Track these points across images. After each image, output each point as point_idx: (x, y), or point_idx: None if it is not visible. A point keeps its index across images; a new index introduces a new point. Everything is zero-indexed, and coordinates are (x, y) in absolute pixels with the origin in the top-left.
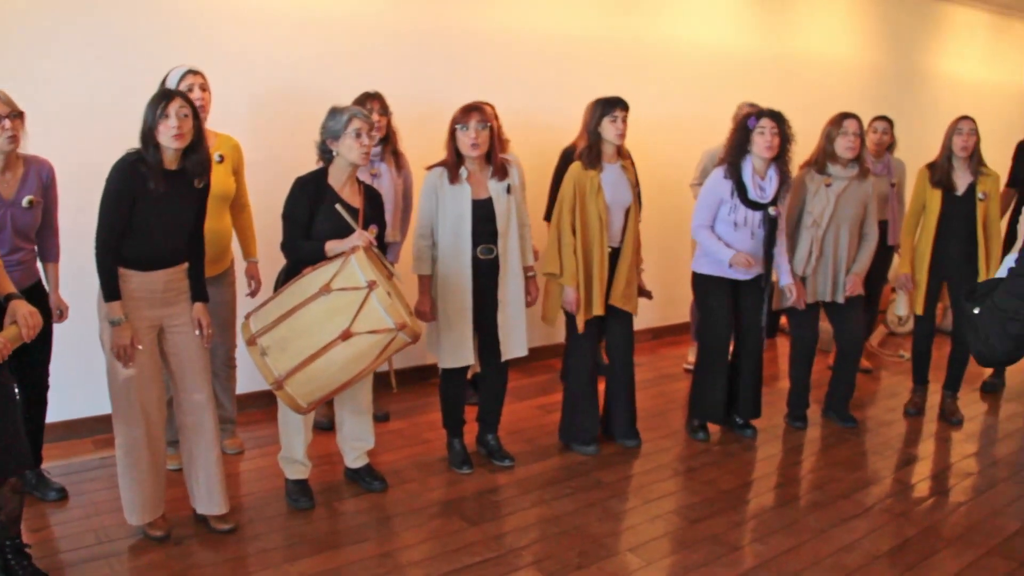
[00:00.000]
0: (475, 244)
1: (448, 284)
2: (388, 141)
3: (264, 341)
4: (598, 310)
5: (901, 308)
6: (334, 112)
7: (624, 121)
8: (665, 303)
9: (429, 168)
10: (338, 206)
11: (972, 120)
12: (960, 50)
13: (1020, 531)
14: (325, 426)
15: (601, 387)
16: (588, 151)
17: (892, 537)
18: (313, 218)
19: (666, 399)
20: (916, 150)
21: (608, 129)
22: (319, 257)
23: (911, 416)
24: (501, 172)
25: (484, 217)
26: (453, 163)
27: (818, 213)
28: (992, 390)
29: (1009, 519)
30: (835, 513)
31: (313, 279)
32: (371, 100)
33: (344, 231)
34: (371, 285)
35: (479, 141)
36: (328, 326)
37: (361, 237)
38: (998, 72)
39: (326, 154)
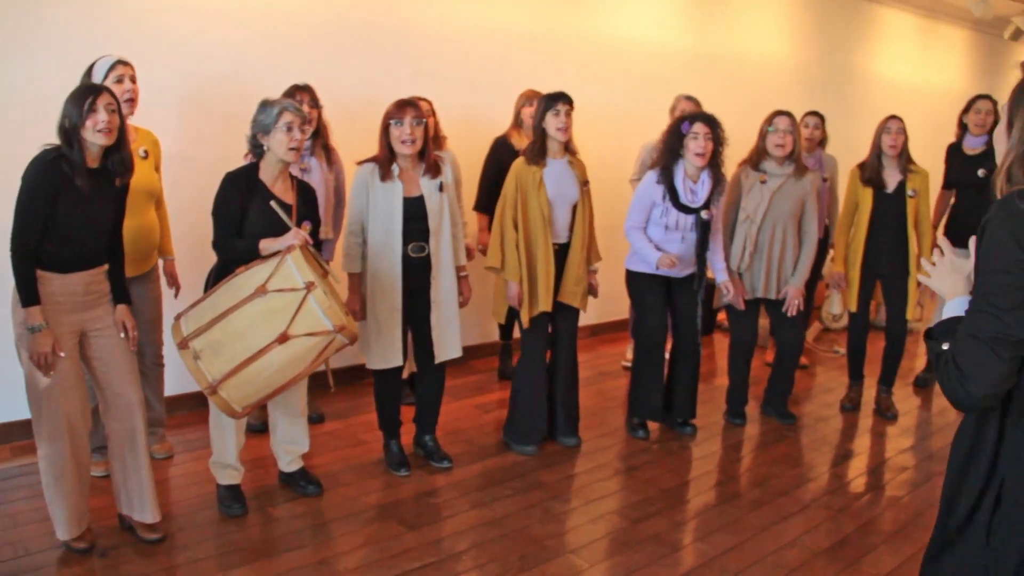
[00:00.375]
0: (406, 242)
1: (378, 283)
2: (319, 135)
3: (197, 344)
4: (545, 306)
5: (835, 306)
6: (264, 105)
7: (568, 115)
8: (604, 300)
9: (360, 164)
10: (273, 203)
11: (900, 119)
12: (891, 51)
13: None
14: (258, 429)
15: None
16: (532, 146)
17: (832, 533)
18: (245, 215)
19: (605, 397)
20: (849, 149)
21: (551, 123)
22: (253, 256)
23: (847, 411)
24: (434, 170)
25: (416, 215)
26: (385, 159)
27: (751, 209)
28: (924, 385)
29: None
30: (775, 510)
31: (247, 279)
32: (301, 92)
33: (277, 228)
34: (309, 286)
35: (413, 137)
36: (265, 328)
37: (297, 235)
38: (927, 73)
39: (257, 149)
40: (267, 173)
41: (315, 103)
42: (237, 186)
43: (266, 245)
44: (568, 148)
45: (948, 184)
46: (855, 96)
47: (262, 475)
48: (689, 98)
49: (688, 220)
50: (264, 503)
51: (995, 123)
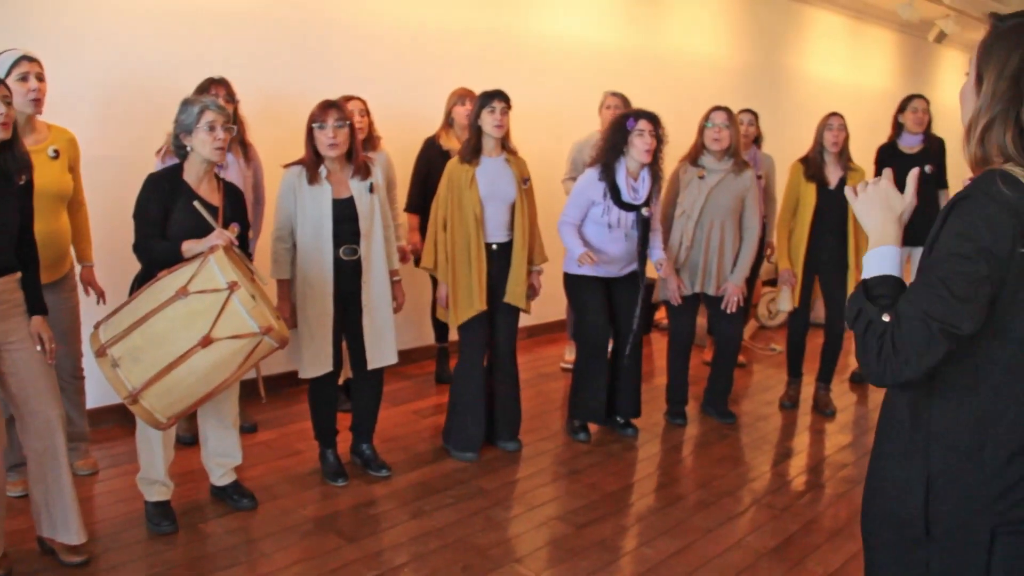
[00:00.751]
0: (337, 245)
1: (308, 288)
2: (235, 130)
3: (115, 351)
4: (480, 305)
5: (785, 303)
6: (185, 104)
7: (504, 113)
8: (540, 301)
9: (287, 167)
10: (196, 203)
11: (841, 116)
12: (821, 51)
13: None
14: (188, 441)
15: None
16: (467, 144)
17: (776, 533)
18: (168, 218)
19: (544, 399)
20: (781, 148)
21: (486, 120)
22: (175, 259)
23: (786, 409)
24: (363, 171)
25: (346, 217)
26: (312, 162)
27: (688, 204)
28: (861, 380)
29: None
30: (719, 511)
31: (169, 282)
32: (216, 86)
33: (202, 231)
34: (232, 286)
35: (336, 141)
36: (186, 332)
37: (221, 236)
38: (856, 74)
39: (180, 150)
40: (191, 174)
41: (231, 97)
42: (160, 188)
43: (189, 247)
44: (505, 146)
45: None
46: (787, 95)
47: (193, 490)
48: (616, 94)
49: (630, 218)
50: (195, 519)
51: (930, 122)
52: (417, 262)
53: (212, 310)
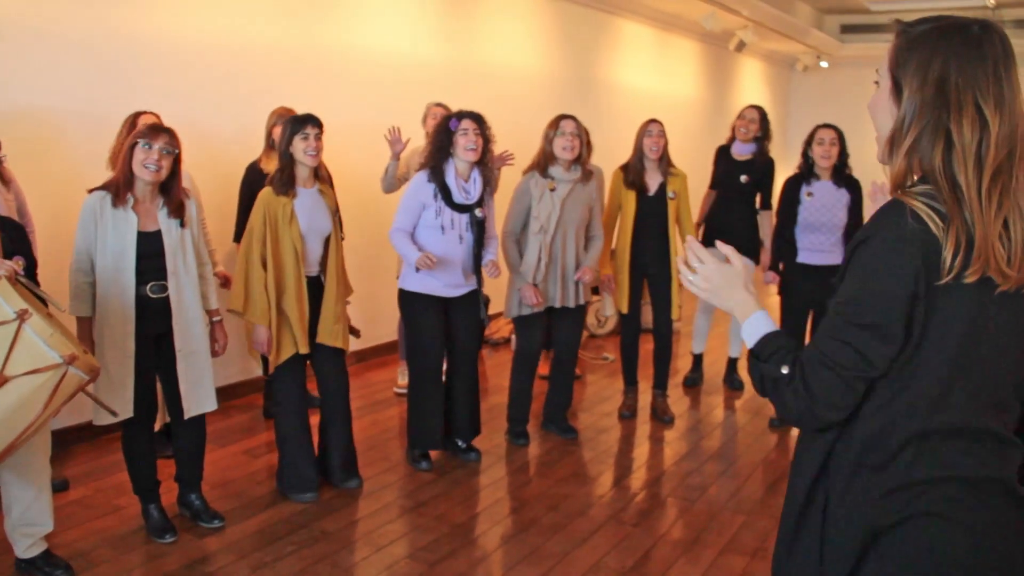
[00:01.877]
0: (142, 282)
1: (108, 326)
2: None
3: None
4: (303, 348)
5: (608, 308)
6: None
7: (317, 139)
8: (368, 322)
9: (91, 191)
10: None
11: (660, 123)
12: (633, 62)
13: (745, 523)
14: None
15: (314, 421)
16: (280, 175)
17: (633, 550)
18: None
19: (380, 428)
20: (601, 157)
21: (298, 148)
22: None
23: (626, 419)
24: (177, 210)
25: (151, 252)
26: (124, 183)
27: (544, 218)
28: (693, 384)
29: (732, 513)
30: (573, 533)
31: None
32: None
33: None
34: (22, 315)
35: (159, 166)
36: None
37: (1, 266)
38: (667, 82)
39: None
40: None
41: None
42: None
43: None
44: (318, 175)
45: (714, 184)
46: (602, 105)
47: None
48: (440, 105)
49: (463, 219)
50: None
51: (760, 131)
52: None
53: (2, 345)
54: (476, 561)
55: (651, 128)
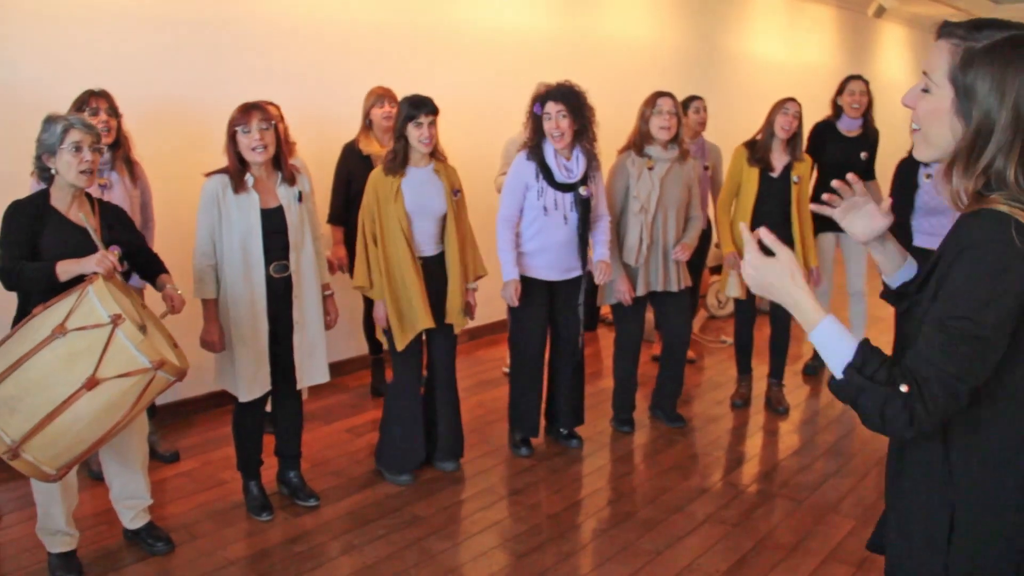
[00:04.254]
0: (267, 261)
1: (240, 307)
2: (119, 147)
3: None
4: (425, 323)
5: (732, 288)
6: (48, 122)
7: (431, 126)
8: (481, 301)
9: (208, 175)
10: (82, 216)
11: (797, 103)
12: (762, 31)
13: (853, 530)
14: (97, 475)
15: None
16: (393, 156)
17: (730, 552)
18: (37, 248)
19: (486, 409)
20: (721, 131)
21: (412, 135)
22: (50, 281)
23: (738, 408)
24: (291, 178)
25: (275, 229)
26: (236, 170)
27: (644, 198)
28: (813, 372)
29: (842, 517)
30: (669, 530)
31: (43, 320)
32: (96, 99)
33: (80, 254)
34: (115, 319)
35: (264, 143)
36: (67, 375)
37: (102, 260)
38: (798, 52)
39: (44, 172)
40: (59, 199)
41: (114, 111)
42: (26, 214)
43: (65, 268)
44: (435, 155)
45: (825, 166)
46: (727, 77)
47: (105, 533)
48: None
49: (567, 199)
50: (106, 567)
51: (869, 103)
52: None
53: (95, 348)
54: (564, 555)
55: (788, 107)
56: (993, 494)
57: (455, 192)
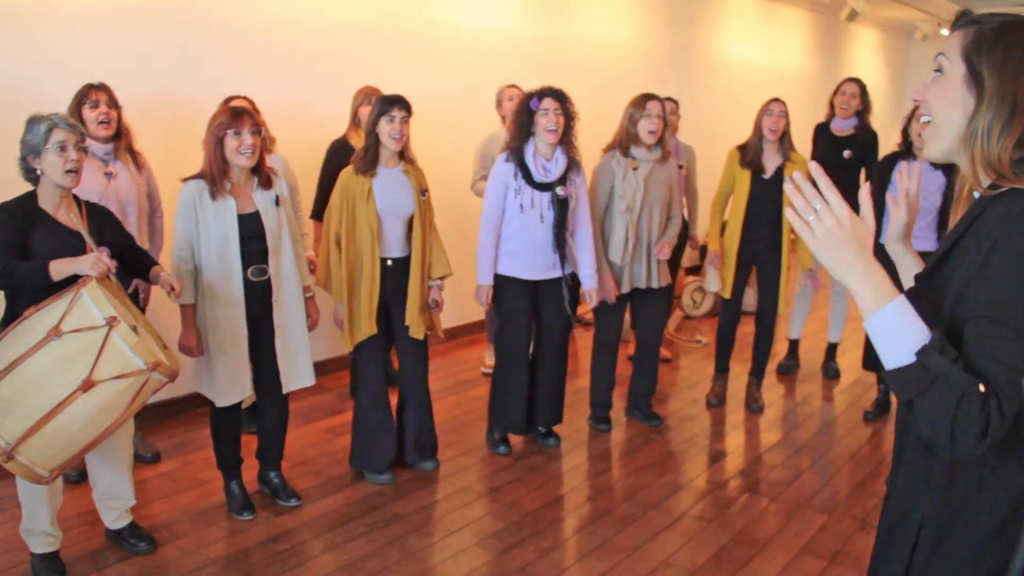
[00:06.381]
0: (244, 265)
1: (217, 312)
2: (121, 137)
3: None
4: (369, 329)
5: (713, 284)
6: (32, 122)
7: (404, 122)
8: (458, 301)
9: (185, 181)
10: (74, 216)
11: (782, 103)
12: (737, 34)
13: (826, 525)
14: (74, 479)
15: (393, 401)
16: (364, 154)
17: (707, 547)
18: (27, 250)
19: (464, 409)
20: (695, 132)
21: (384, 129)
22: (41, 281)
23: (713, 407)
24: (267, 182)
25: (252, 234)
26: (217, 174)
27: (630, 197)
28: (787, 372)
29: (816, 512)
30: (647, 526)
31: (36, 322)
32: (96, 91)
33: (71, 254)
34: (111, 322)
35: (253, 148)
36: (62, 377)
37: (96, 263)
38: (773, 55)
39: (29, 173)
40: (47, 200)
41: (113, 103)
42: (14, 217)
43: (58, 268)
44: (404, 155)
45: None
46: (700, 80)
47: (87, 533)
48: (513, 86)
49: (544, 198)
50: (88, 568)
51: (860, 105)
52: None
53: (91, 350)
54: (544, 551)
55: (772, 108)
56: (965, 511)
57: (423, 192)
